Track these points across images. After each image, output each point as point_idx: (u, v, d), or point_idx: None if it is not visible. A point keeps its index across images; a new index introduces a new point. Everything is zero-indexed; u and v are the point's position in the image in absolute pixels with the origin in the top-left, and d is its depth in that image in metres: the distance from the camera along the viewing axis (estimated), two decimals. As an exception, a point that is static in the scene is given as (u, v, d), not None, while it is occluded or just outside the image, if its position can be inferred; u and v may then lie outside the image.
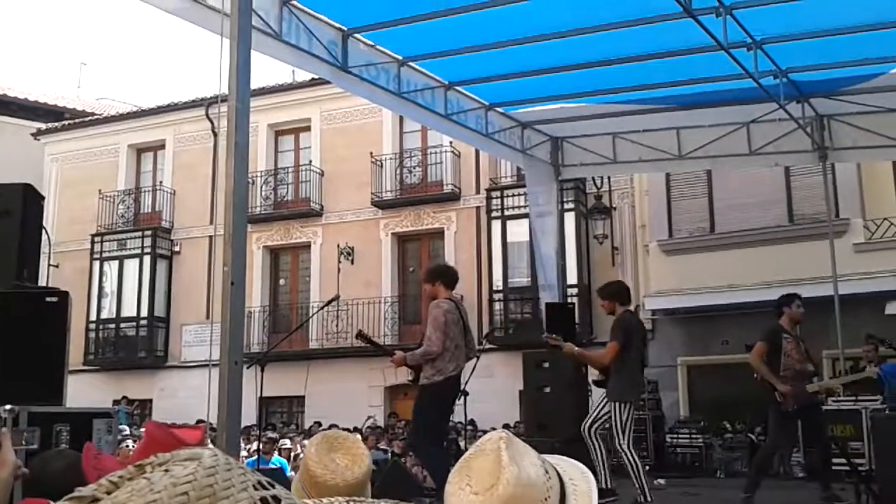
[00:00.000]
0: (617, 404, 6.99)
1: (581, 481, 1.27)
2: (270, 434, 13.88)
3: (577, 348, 7.84)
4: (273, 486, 0.83)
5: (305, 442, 8.79)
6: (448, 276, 7.05)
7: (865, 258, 13.08)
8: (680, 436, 11.95)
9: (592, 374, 7.80)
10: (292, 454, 12.79)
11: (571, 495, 1.21)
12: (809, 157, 11.50)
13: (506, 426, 12.56)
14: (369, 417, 15.77)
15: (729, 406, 13.33)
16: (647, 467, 11.19)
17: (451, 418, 7.42)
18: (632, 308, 7.77)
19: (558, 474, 1.24)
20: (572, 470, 1.29)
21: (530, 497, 1.14)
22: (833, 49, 8.73)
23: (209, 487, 0.77)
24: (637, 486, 6.94)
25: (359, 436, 2.39)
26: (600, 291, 7.81)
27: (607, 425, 7.09)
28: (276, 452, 12.47)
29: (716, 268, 14.06)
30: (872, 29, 8.18)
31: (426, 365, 6.60)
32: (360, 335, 7.36)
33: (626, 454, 6.92)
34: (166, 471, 0.78)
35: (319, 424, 15.31)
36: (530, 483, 1.15)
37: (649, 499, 6.91)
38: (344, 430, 14.81)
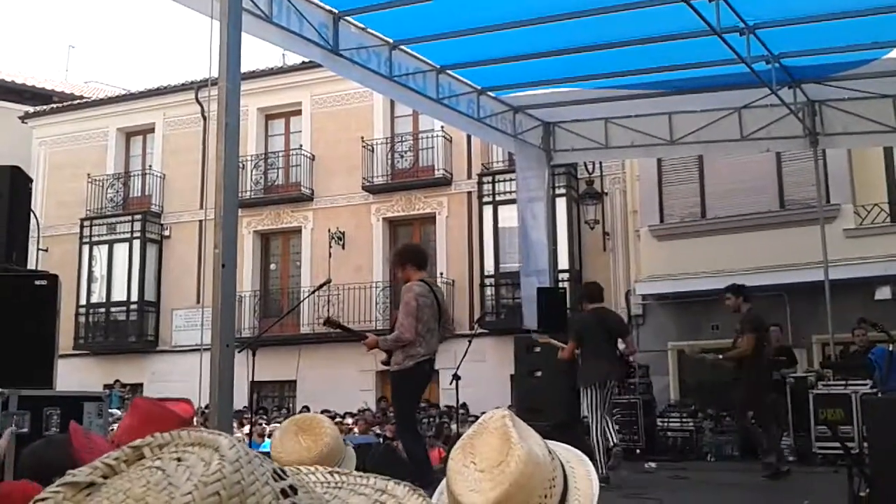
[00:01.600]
0: (581, 390, 8.04)
1: (578, 465, 1.26)
2: (262, 422, 13.87)
3: (561, 348, 8.68)
4: (285, 474, 0.79)
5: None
6: (416, 257, 6.86)
7: (856, 244, 13.12)
8: (670, 420, 11.98)
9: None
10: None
11: (571, 478, 1.20)
12: (801, 142, 11.52)
13: (497, 411, 12.55)
14: (363, 410, 15.73)
15: (719, 390, 13.38)
16: (639, 450, 11.30)
17: (420, 402, 7.45)
18: (602, 305, 8.65)
19: (558, 457, 1.23)
20: (568, 454, 1.28)
21: (539, 476, 1.12)
22: (825, 34, 8.72)
23: (238, 485, 0.72)
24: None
25: (325, 417, 2.32)
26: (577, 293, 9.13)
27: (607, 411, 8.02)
28: (267, 436, 12.47)
29: (707, 253, 14.08)
30: (864, 14, 8.18)
31: (397, 350, 6.48)
32: (328, 322, 7.21)
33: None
34: (178, 459, 0.73)
35: (308, 409, 15.31)
36: (539, 462, 1.13)
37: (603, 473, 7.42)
38: (335, 415, 14.75)
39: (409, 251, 7.13)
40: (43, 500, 0.73)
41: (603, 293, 8.84)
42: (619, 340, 8.38)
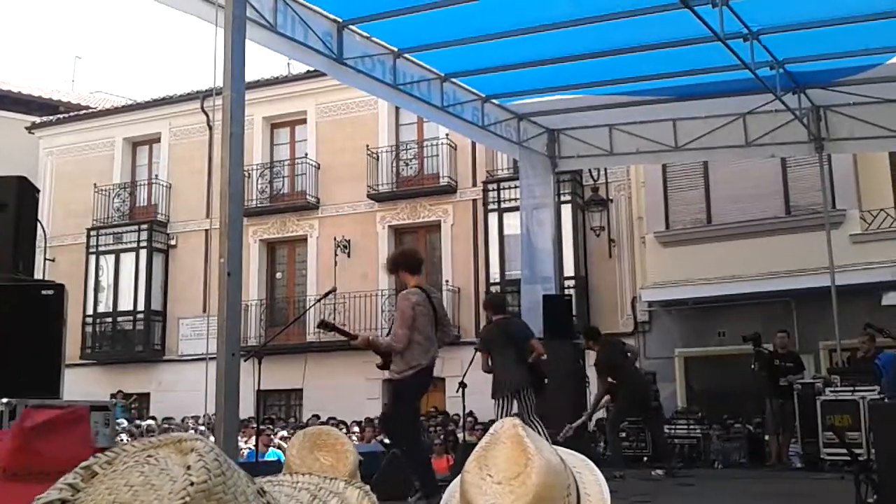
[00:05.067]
0: (493, 401, 8.08)
1: (585, 470, 1.25)
2: (268, 432, 13.83)
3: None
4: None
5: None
6: (410, 262, 6.71)
7: (862, 249, 13.08)
8: (677, 427, 11.95)
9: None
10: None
11: (581, 484, 1.19)
12: (806, 148, 11.51)
13: (503, 418, 12.54)
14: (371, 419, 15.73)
15: (726, 397, 13.36)
16: (646, 458, 11.27)
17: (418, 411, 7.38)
18: (505, 315, 8.81)
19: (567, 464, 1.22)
20: (574, 459, 1.27)
21: (558, 485, 1.11)
22: (829, 40, 8.72)
23: (223, 453, 0.81)
24: None
25: (340, 431, 2.27)
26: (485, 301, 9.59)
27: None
28: (272, 445, 12.47)
29: (713, 259, 14.06)
30: (869, 19, 8.18)
31: (396, 358, 6.37)
32: (322, 324, 7.02)
33: None
34: (150, 456, 0.80)
35: (318, 417, 15.31)
36: (557, 471, 1.12)
37: None
38: (341, 423, 14.73)
39: (403, 256, 6.96)
40: None
41: (505, 303, 9.23)
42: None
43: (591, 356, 13.78)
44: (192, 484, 0.76)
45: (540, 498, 1.07)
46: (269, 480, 1.05)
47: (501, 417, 7.88)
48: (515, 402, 7.91)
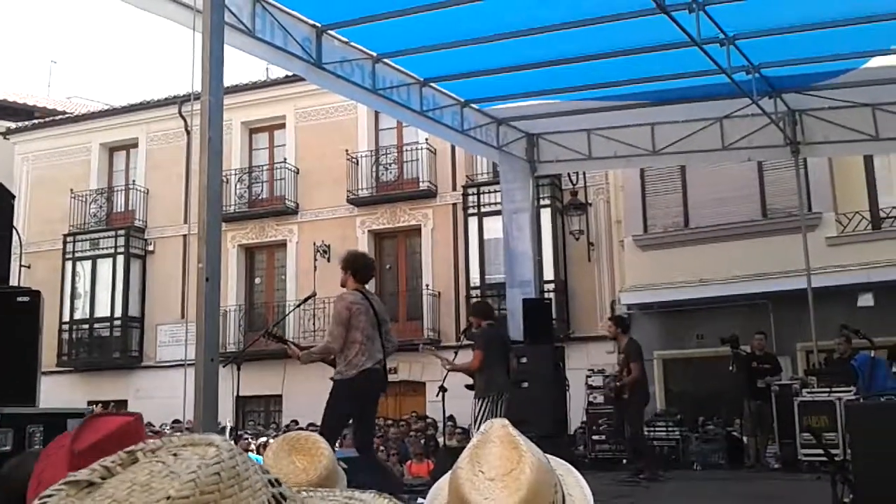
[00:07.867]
0: (478, 400, 8.06)
1: (566, 473, 1.26)
2: (247, 437, 13.79)
3: (450, 362, 8.54)
4: (268, 472, 0.85)
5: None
6: (360, 266, 6.58)
7: (838, 251, 13.22)
8: (656, 429, 12.01)
9: (466, 380, 8.53)
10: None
11: (564, 485, 1.21)
12: (782, 151, 11.62)
13: (484, 422, 12.53)
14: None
15: (705, 399, 13.44)
16: (625, 460, 11.33)
17: (368, 414, 6.74)
18: (493, 322, 8.84)
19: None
20: (554, 463, 1.29)
21: (548, 483, 1.13)
22: (805, 45, 8.82)
23: (234, 469, 0.79)
24: None
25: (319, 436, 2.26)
26: (470, 310, 9.33)
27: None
28: (253, 450, 12.43)
29: (690, 262, 14.15)
30: (844, 25, 8.28)
31: (339, 360, 6.23)
32: (268, 335, 6.94)
33: None
34: (175, 455, 0.78)
35: (296, 423, 15.24)
36: (546, 469, 1.15)
37: None
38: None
39: (357, 259, 6.78)
40: (49, 496, 0.77)
41: (492, 310, 9.34)
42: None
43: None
44: (168, 498, 0.73)
45: (533, 492, 1.09)
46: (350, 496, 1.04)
47: (489, 417, 7.94)
48: (501, 404, 8.05)
